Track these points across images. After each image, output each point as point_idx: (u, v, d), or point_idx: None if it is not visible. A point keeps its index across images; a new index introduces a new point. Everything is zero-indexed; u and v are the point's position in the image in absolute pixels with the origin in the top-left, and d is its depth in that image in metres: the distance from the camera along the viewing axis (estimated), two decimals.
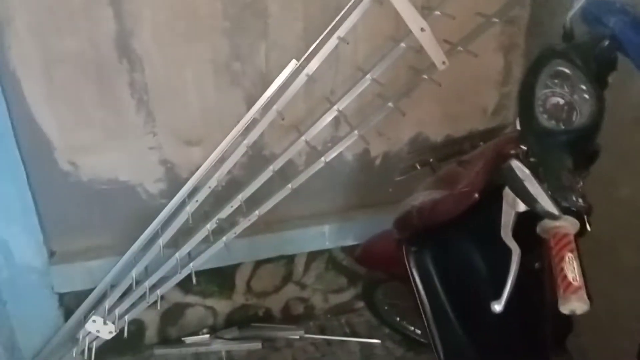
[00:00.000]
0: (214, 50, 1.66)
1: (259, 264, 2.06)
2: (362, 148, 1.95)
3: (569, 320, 1.43)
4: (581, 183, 0.99)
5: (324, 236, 2.02)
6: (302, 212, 2.01)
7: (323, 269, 2.16)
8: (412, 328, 1.98)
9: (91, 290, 1.84)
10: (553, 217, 0.79)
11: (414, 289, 1.29)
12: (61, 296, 1.91)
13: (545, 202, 0.78)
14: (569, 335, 1.45)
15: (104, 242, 1.87)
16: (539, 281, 1.13)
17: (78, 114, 1.65)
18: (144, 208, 1.82)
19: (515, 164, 0.80)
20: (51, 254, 1.85)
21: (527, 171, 0.80)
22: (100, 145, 1.71)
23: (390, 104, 1.61)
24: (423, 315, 1.28)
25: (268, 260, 2.05)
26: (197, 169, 1.74)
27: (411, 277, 1.29)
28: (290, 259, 2.09)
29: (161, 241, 1.71)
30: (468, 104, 1.98)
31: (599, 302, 1.65)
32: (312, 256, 2.12)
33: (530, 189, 0.79)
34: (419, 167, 1.51)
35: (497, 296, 0.90)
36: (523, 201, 0.82)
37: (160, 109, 1.70)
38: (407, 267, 1.30)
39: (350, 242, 2.05)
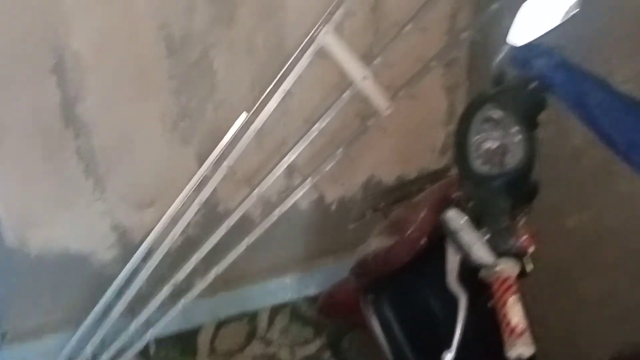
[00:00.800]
0: (161, 111, 1.66)
1: (221, 323, 2.01)
2: (317, 195, 1.96)
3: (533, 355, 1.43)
4: (523, 219, 1.02)
5: (286, 288, 2.00)
6: (262, 265, 1.98)
7: (287, 321, 2.12)
8: None
9: None
10: (487, 265, 0.80)
11: (375, 336, 1.28)
12: None
13: (480, 252, 0.79)
14: None
15: (57, 317, 1.80)
16: (497, 319, 1.13)
17: (24, 186, 1.61)
18: (97, 277, 1.77)
19: (451, 215, 0.82)
20: (2, 335, 1.77)
21: (462, 221, 0.81)
22: (48, 216, 1.67)
23: (339, 152, 1.64)
24: None
25: (230, 319, 2.01)
26: (151, 231, 1.71)
27: (371, 325, 1.28)
28: (253, 316, 2.05)
29: (116, 311, 1.66)
30: (417, 144, 2.03)
31: (561, 330, 1.67)
32: (276, 310, 2.08)
33: (463, 240, 0.80)
34: (370, 213, 1.52)
35: (450, 344, 0.90)
36: (459, 252, 0.83)
37: (109, 173, 1.67)
38: (367, 315, 1.29)
39: (312, 292, 2.03)
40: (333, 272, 1.73)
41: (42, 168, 1.61)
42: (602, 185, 1.48)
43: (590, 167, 1.52)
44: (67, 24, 1.47)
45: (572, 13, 0.94)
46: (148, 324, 1.70)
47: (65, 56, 1.50)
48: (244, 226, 1.72)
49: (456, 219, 0.81)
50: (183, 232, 1.71)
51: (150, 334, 1.68)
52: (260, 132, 1.62)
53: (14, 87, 1.50)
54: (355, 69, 1.54)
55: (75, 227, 1.71)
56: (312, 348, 2.17)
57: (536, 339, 1.08)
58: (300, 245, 2.04)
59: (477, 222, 0.88)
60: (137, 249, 1.72)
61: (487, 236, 0.84)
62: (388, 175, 2.05)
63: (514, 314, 0.77)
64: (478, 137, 0.96)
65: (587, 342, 1.63)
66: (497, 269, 0.81)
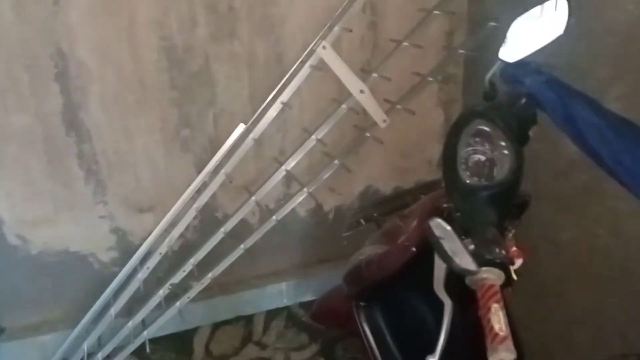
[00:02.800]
0: (162, 119, 1.70)
1: (217, 326, 2.04)
2: (315, 204, 1.99)
3: None
4: (513, 232, 1.05)
5: (282, 294, 2.03)
6: (259, 271, 2.02)
7: (283, 327, 2.14)
8: None
9: None
10: (470, 273, 0.83)
11: (366, 343, 1.30)
12: None
13: (463, 259, 0.82)
14: None
15: (55, 315, 1.83)
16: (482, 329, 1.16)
17: (27, 188, 1.65)
18: (96, 278, 1.80)
19: (435, 223, 0.84)
20: (1, 331, 1.79)
21: (448, 228, 0.84)
22: (50, 217, 1.70)
23: (336, 162, 1.67)
24: None
25: (226, 322, 2.04)
26: (149, 235, 1.75)
27: (362, 332, 1.30)
28: (249, 319, 2.08)
29: (113, 311, 1.69)
30: (414, 157, 2.07)
31: (554, 342, 1.69)
32: (271, 315, 2.11)
33: (446, 247, 0.82)
34: (363, 223, 1.55)
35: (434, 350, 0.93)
36: (442, 259, 0.86)
37: (110, 178, 1.71)
38: (358, 322, 1.31)
39: (308, 298, 2.06)
40: (328, 280, 1.75)
41: (45, 171, 1.65)
42: (594, 201, 1.51)
43: (581, 183, 1.55)
44: (72, 34, 1.52)
45: (557, 35, 0.98)
46: (144, 324, 1.73)
47: (69, 65, 1.55)
48: (242, 232, 1.75)
49: (441, 227, 0.84)
50: (181, 236, 1.75)
51: (146, 335, 1.70)
52: (258, 142, 1.66)
53: (19, 93, 1.54)
54: (352, 82, 1.58)
55: (75, 229, 1.74)
56: (307, 354, 2.19)
57: (522, 347, 1.11)
58: (298, 253, 2.07)
59: (465, 232, 0.90)
60: (135, 251, 1.75)
61: (472, 246, 0.87)
62: (385, 186, 2.09)
63: (497, 320, 0.80)
64: (467, 150, 0.99)
65: (577, 355, 1.65)
66: (481, 277, 0.84)
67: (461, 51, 1.63)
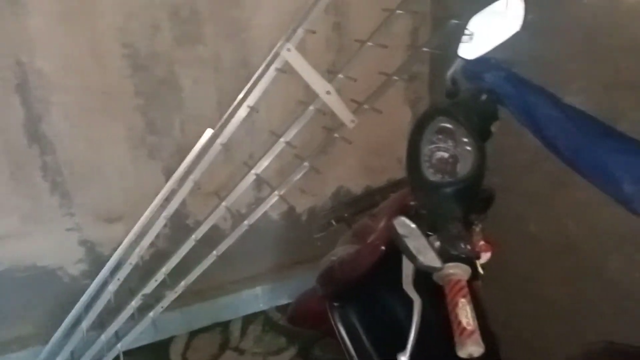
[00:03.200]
0: (128, 127, 1.68)
1: (193, 334, 2.02)
2: (287, 207, 1.99)
3: (495, 357, 1.48)
4: (480, 226, 1.06)
5: (258, 298, 2.02)
6: (234, 276, 2.01)
7: (260, 331, 2.13)
8: None
9: None
10: (435, 269, 0.83)
11: (341, 343, 1.30)
12: None
13: (427, 256, 0.82)
14: None
15: (26, 331, 1.79)
16: None
17: None
18: (66, 292, 1.77)
19: (398, 221, 0.85)
20: None
21: (412, 226, 0.84)
22: (15, 232, 1.66)
23: (306, 164, 1.67)
24: None
25: (202, 330, 2.02)
26: (119, 245, 1.72)
27: (337, 332, 1.31)
28: (225, 326, 2.07)
29: (84, 324, 1.66)
30: (383, 156, 2.08)
31: (528, 332, 1.72)
32: (248, 320, 2.10)
33: (410, 245, 0.83)
34: (334, 223, 1.55)
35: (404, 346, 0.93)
36: (406, 257, 0.86)
37: (76, 189, 1.68)
38: (333, 322, 1.31)
39: (285, 301, 2.06)
40: (304, 282, 1.75)
41: (8, 185, 1.61)
42: (561, 192, 1.54)
43: (548, 175, 1.57)
44: (31, 44, 1.49)
45: (513, 32, 1.00)
46: (118, 337, 1.70)
47: (29, 75, 1.51)
48: (214, 238, 1.74)
49: (405, 225, 0.85)
50: (152, 245, 1.72)
51: (120, 347, 1.67)
52: (227, 146, 1.65)
53: None
54: (318, 84, 1.58)
55: (42, 242, 1.70)
56: (285, 357, 2.18)
57: (495, 341, 1.13)
58: (272, 256, 2.07)
59: (432, 229, 0.91)
60: (105, 262, 1.73)
61: (437, 242, 0.88)
62: (356, 186, 2.09)
63: (464, 315, 0.81)
64: (430, 147, 1.00)
65: (552, 345, 1.68)
66: (447, 272, 0.84)
67: (425, 49, 1.65)
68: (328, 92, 1.58)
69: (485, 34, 1.04)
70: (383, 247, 1.12)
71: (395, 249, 1.10)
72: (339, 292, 1.33)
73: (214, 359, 2.08)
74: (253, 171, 1.66)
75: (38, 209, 1.66)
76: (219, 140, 1.63)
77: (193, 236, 1.66)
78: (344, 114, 1.62)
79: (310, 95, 1.64)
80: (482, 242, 1.03)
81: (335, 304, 1.32)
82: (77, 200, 1.69)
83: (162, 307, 1.69)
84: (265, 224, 1.94)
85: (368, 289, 1.29)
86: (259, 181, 1.73)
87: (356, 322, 1.30)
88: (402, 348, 1.04)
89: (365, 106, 1.64)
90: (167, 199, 1.70)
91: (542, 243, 1.66)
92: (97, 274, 1.73)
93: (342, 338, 1.31)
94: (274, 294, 2.04)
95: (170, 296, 1.68)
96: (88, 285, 1.73)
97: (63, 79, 1.55)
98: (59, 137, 1.60)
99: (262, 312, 2.11)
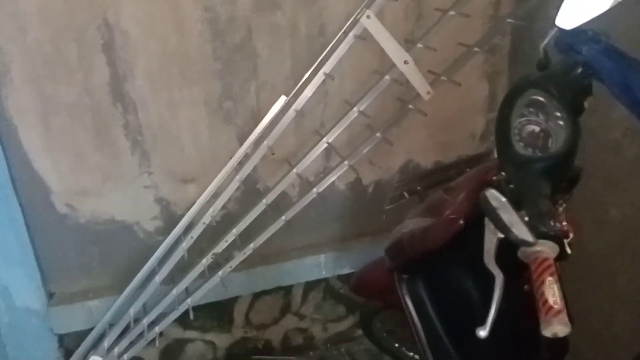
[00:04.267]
0: (206, 92, 1.71)
1: (256, 296, 2.07)
2: (354, 177, 1.98)
3: (564, 341, 1.44)
4: (564, 206, 1.02)
5: (321, 266, 2.04)
6: (298, 243, 2.03)
7: (321, 298, 2.17)
8: (412, 354, 1.97)
9: (90, 330, 1.85)
10: (527, 244, 0.81)
11: (408, 316, 1.30)
12: (61, 337, 1.92)
13: (520, 230, 0.80)
14: (565, 355, 1.46)
15: (102, 282, 1.89)
16: (530, 303, 1.15)
17: (74, 158, 1.69)
18: (140, 246, 1.84)
19: (490, 194, 0.83)
20: (50, 295, 1.87)
21: (503, 199, 0.82)
22: (96, 187, 1.74)
23: (378, 134, 1.65)
24: (417, 342, 1.29)
25: (265, 293, 2.07)
26: (193, 205, 1.78)
27: (404, 305, 1.31)
28: (287, 290, 2.11)
29: (158, 278, 1.73)
30: (456, 130, 2.03)
31: (597, 322, 1.67)
32: (310, 286, 2.13)
33: (504, 218, 0.81)
34: (407, 196, 1.54)
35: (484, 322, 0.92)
36: (498, 229, 0.84)
37: (154, 149, 1.74)
38: (400, 295, 1.31)
39: (347, 271, 2.07)
40: (367, 253, 1.77)
41: (92, 142, 1.68)
42: None
43: (633, 157, 1.50)
44: (116, 5, 1.53)
45: (616, 1, 0.94)
46: (188, 292, 1.77)
47: (115, 36, 1.56)
48: (282, 204, 1.76)
49: (496, 198, 0.83)
50: (223, 207, 1.77)
51: (190, 302, 1.74)
52: (300, 114, 1.65)
53: (67, 65, 1.56)
54: (396, 53, 1.55)
55: (121, 198, 1.78)
56: (344, 325, 2.23)
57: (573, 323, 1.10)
58: (336, 226, 2.07)
59: (517, 205, 0.88)
60: (179, 221, 1.79)
61: (526, 218, 0.85)
62: (426, 160, 2.06)
63: (551, 293, 0.79)
64: (521, 120, 0.97)
65: (623, 336, 1.62)
66: (536, 249, 0.82)
67: (509, 20, 1.58)
68: (406, 62, 1.55)
69: (584, 4, 0.98)
70: (462, 222, 1.10)
71: (473, 224, 1.09)
72: (408, 265, 1.33)
73: (275, 321, 2.15)
74: (324, 139, 1.66)
75: (119, 166, 1.73)
76: (293, 107, 1.64)
77: (264, 200, 1.69)
78: (421, 84, 1.58)
79: (386, 64, 1.61)
80: (565, 223, 1.00)
81: (404, 276, 1.32)
82: (155, 160, 1.75)
83: (230, 267, 1.74)
84: (331, 194, 1.95)
85: (439, 262, 1.27)
86: (329, 150, 1.73)
87: (424, 296, 1.30)
88: (473, 325, 1.03)
89: (443, 78, 1.60)
90: (240, 164, 1.73)
91: (619, 229, 1.59)
92: (170, 232, 1.80)
93: (409, 310, 1.31)
94: (336, 263, 2.06)
95: (239, 257, 1.73)
96: (162, 242, 1.80)
97: (146, 41, 1.59)
98: (141, 98, 1.65)
99: (324, 280, 2.13)
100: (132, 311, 1.76)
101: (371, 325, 1.98)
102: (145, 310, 1.79)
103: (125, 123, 1.67)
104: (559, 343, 1.42)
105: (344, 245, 2.07)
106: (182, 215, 1.79)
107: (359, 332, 2.20)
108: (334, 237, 2.08)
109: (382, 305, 1.83)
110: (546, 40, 1.03)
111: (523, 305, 1.10)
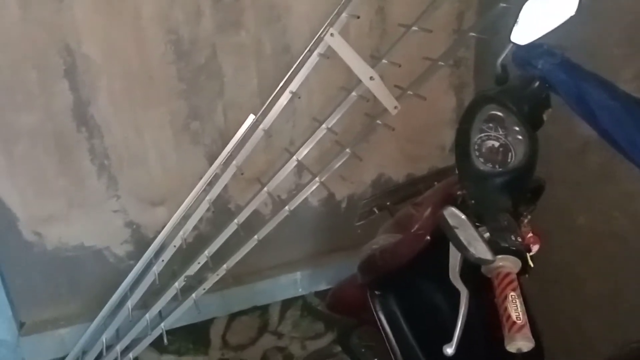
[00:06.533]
0: (171, 113, 1.70)
1: (233, 316, 2.05)
2: (327, 193, 1.98)
3: (538, 352, 1.45)
4: (529, 217, 1.03)
5: (297, 283, 2.03)
6: (273, 261, 2.02)
7: (298, 316, 2.15)
8: None
9: (63, 358, 1.81)
10: (486, 262, 0.81)
11: (382, 332, 1.30)
12: None
13: (479, 249, 0.80)
14: None
15: (73, 309, 1.85)
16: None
17: (40, 184, 1.66)
18: (111, 271, 1.82)
19: (449, 212, 0.83)
20: (21, 325, 1.82)
21: (462, 217, 0.82)
22: (64, 213, 1.71)
23: (347, 150, 1.66)
24: (393, 358, 1.28)
25: (242, 313, 2.05)
26: (163, 228, 1.76)
27: (378, 321, 1.30)
28: (264, 309, 2.09)
29: (130, 303, 1.70)
30: (425, 143, 2.05)
31: (569, 327, 1.68)
32: (287, 304, 2.12)
33: (461, 237, 0.81)
34: (376, 211, 1.54)
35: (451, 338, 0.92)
36: (457, 248, 0.84)
37: (121, 172, 1.72)
38: (374, 311, 1.31)
39: (323, 287, 2.06)
40: (343, 269, 1.74)
41: (57, 168, 1.66)
42: (609, 183, 1.49)
43: (596, 165, 1.52)
44: (77, 30, 1.52)
45: (568, 16, 0.95)
46: (161, 316, 1.74)
47: (77, 60, 1.55)
48: (255, 223, 1.75)
49: (455, 216, 0.83)
50: (195, 228, 1.75)
51: (164, 326, 1.72)
52: (268, 132, 1.65)
53: (28, 91, 1.55)
54: (361, 69, 1.56)
55: (89, 223, 1.75)
56: (323, 342, 2.20)
57: (540, 334, 1.10)
58: (311, 242, 2.07)
59: (479, 220, 0.89)
60: (150, 244, 1.77)
61: (487, 234, 0.86)
62: (397, 174, 2.07)
63: (514, 309, 0.79)
64: (481, 135, 0.97)
65: (593, 340, 1.64)
66: (497, 265, 0.82)
67: (472, 34, 1.61)
68: (371, 78, 1.56)
69: (538, 19, 1.00)
70: (428, 237, 1.10)
71: (440, 239, 1.09)
72: (380, 281, 1.32)
73: (252, 341, 2.11)
74: (295, 157, 1.66)
75: (85, 191, 1.71)
76: (261, 126, 1.64)
77: (235, 220, 1.67)
78: (388, 100, 1.59)
79: (353, 80, 1.62)
80: (530, 234, 1.01)
81: (377, 292, 1.31)
82: (122, 184, 1.73)
83: (204, 289, 1.71)
84: (304, 211, 1.95)
85: (410, 278, 1.27)
86: (300, 167, 1.73)
87: (397, 311, 1.29)
88: (446, 339, 1.03)
89: (409, 92, 1.61)
90: (210, 184, 1.72)
91: (586, 235, 1.61)
92: (141, 255, 1.77)
93: (382, 326, 1.30)
94: (312, 279, 2.05)
95: (212, 278, 1.71)
96: (133, 266, 1.78)
97: (109, 64, 1.58)
98: (106, 121, 1.64)
99: (301, 297, 2.12)
100: (104, 337, 1.73)
101: (349, 341, 1.96)
102: (118, 336, 1.76)
103: (90, 147, 1.65)
104: (534, 354, 1.43)
105: (320, 261, 2.07)
106: (153, 239, 1.77)
107: (338, 348, 2.19)
108: (309, 253, 2.08)
109: (358, 321, 1.82)
110: (502, 56, 1.04)
111: (492, 320, 1.10)
